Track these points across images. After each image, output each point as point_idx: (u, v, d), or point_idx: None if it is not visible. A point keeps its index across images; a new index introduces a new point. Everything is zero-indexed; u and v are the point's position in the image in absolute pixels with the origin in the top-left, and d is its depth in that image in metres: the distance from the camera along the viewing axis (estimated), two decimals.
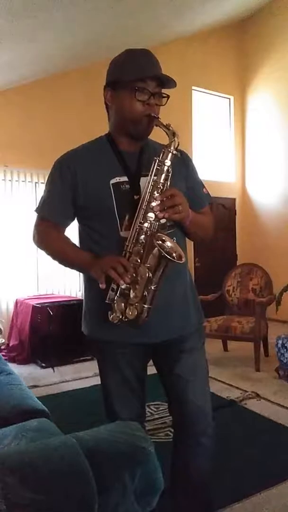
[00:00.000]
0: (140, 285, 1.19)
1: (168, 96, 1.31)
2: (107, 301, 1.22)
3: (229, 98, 6.65)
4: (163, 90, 1.30)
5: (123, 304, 1.21)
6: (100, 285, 1.20)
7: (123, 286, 1.19)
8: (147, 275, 1.18)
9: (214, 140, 6.57)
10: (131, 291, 1.19)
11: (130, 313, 1.19)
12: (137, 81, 1.25)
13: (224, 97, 6.63)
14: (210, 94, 6.48)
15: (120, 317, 1.21)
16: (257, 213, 6.47)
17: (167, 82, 1.27)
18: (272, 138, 6.18)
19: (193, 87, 6.21)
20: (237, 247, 6.63)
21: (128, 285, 1.19)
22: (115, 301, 1.21)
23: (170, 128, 1.26)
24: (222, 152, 6.63)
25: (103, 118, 1.44)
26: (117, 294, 1.21)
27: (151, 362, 1.48)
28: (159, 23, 4.84)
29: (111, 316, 1.22)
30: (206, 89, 6.38)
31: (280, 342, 3.40)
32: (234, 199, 6.63)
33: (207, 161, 6.32)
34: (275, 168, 6.14)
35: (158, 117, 1.28)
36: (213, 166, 6.45)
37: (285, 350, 3.36)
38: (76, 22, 3.93)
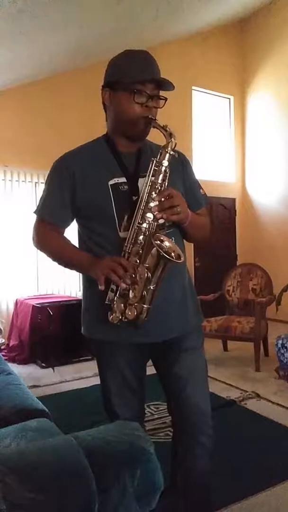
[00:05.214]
0: (139, 286, 1.19)
1: (166, 99, 1.32)
2: (106, 302, 1.22)
3: (229, 98, 6.65)
4: (161, 93, 1.30)
5: (122, 304, 1.21)
6: (99, 287, 1.20)
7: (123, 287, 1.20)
8: (146, 275, 1.18)
9: (214, 140, 6.57)
10: (131, 291, 1.20)
11: (130, 313, 1.20)
12: (135, 84, 1.25)
13: (224, 97, 6.63)
14: (210, 94, 6.48)
15: (120, 317, 1.21)
16: (257, 213, 6.47)
17: (165, 84, 1.28)
18: (272, 138, 6.18)
19: (193, 87, 6.21)
20: (237, 247, 6.63)
21: (127, 286, 1.19)
22: (114, 302, 1.21)
23: (167, 129, 1.27)
24: (222, 152, 6.63)
25: (103, 118, 1.44)
26: (117, 295, 1.21)
27: (150, 362, 1.48)
28: (159, 23, 4.84)
29: (111, 316, 1.22)
30: (206, 89, 6.38)
31: (280, 342, 3.40)
32: (234, 199, 6.63)
33: (207, 161, 6.32)
34: (275, 168, 6.14)
35: (155, 119, 1.28)
36: (213, 166, 6.45)
37: (285, 350, 3.36)
38: (77, 22, 3.93)
